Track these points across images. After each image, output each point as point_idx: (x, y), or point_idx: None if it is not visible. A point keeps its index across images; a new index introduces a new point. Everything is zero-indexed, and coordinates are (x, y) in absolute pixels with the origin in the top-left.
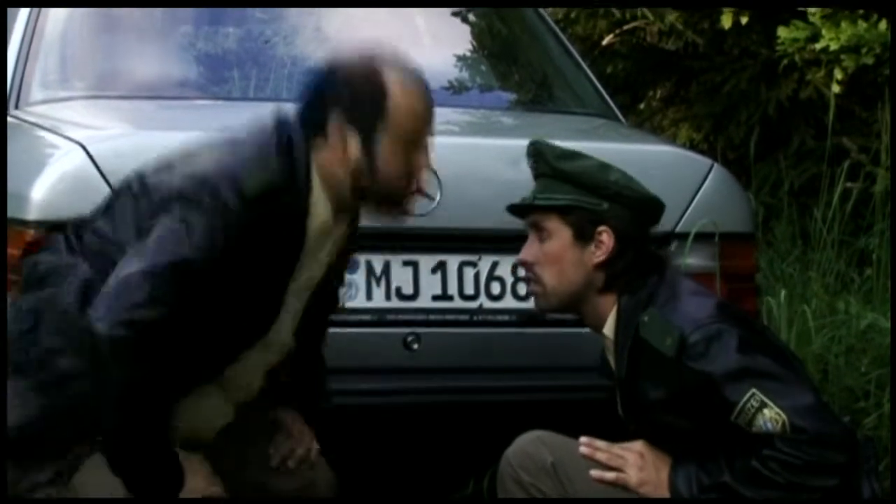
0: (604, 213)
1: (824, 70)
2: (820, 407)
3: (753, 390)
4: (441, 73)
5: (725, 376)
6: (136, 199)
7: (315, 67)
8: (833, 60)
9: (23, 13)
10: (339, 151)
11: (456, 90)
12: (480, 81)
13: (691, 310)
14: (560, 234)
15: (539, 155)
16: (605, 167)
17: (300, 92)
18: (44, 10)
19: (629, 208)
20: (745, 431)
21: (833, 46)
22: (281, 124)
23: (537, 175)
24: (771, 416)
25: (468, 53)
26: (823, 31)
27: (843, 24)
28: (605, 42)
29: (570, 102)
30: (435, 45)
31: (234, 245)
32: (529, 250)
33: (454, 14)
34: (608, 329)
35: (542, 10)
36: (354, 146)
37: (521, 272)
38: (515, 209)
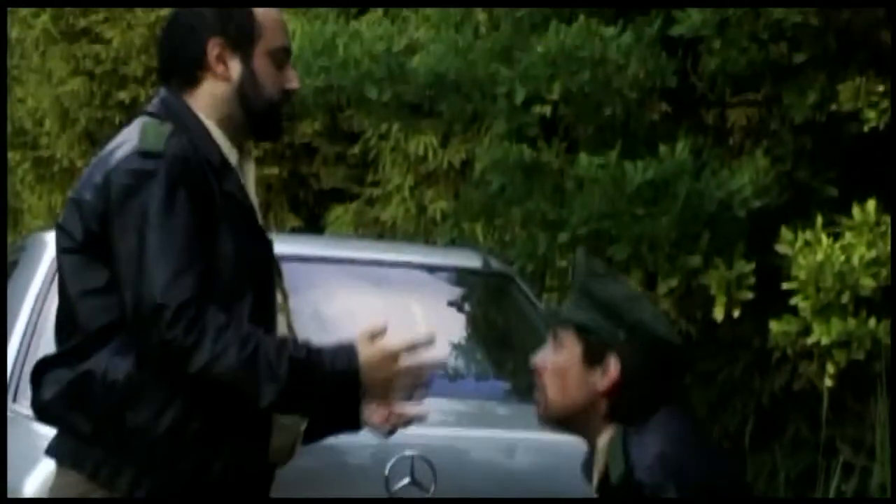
0: (617, 341)
1: (816, 363)
2: None
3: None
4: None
5: None
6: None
7: (171, 17)
8: (825, 354)
9: (26, 306)
10: (221, 79)
11: (451, 378)
12: (476, 370)
13: (649, 447)
14: (572, 349)
15: (578, 266)
16: (633, 298)
17: (161, 52)
18: (49, 298)
19: (645, 347)
20: None
21: (824, 341)
22: (155, 104)
23: (573, 286)
24: None
25: (463, 341)
26: (814, 326)
27: (834, 320)
28: None
29: None
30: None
31: (190, 200)
32: (542, 355)
33: (449, 303)
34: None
35: (536, 300)
36: (236, 65)
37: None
38: (547, 317)
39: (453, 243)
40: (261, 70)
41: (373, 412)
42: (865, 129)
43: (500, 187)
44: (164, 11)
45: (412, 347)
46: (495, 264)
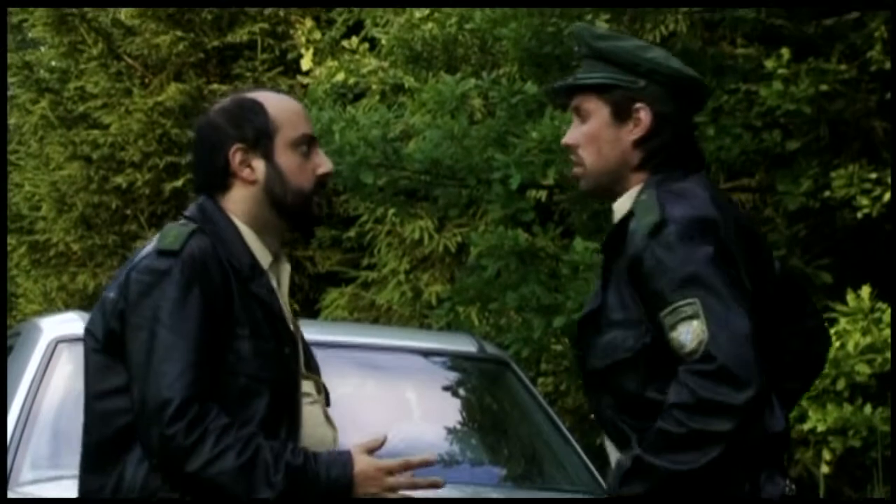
0: (641, 90)
1: (813, 450)
2: (745, 337)
3: (696, 300)
4: (432, 447)
5: (677, 274)
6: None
7: (194, 136)
8: (821, 441)
9: (20, 394)
10: (249, 182)
11: (447, 464)
12: (471, 456)
13: (686, 205)
14: (599, 113)
15: (579, 37)
16: (643, 47)
17: (193, 169)
18: (42, 384)
19: (666, 86)
20: (665, 338)
21: (820, 428)
22: (191, 209)
23: (579, 57)
24: (695, 331)
25: (458, 427)
26: (810, 413)
27: (829, 407)
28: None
29: (560, 478)
30: (426, 419)
31: (203, 299)
32: (572, 133)
33: (444, 388)
34: (617, 204)
35: (531, 385)
36: (260, 166)
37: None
38: (557, 91)
39: (448, 328)
40: (286, 164)
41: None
42: (859, 215)
43: (495, 272)
44: (162, 97)
45: (408, 466)
46: (490, 349)
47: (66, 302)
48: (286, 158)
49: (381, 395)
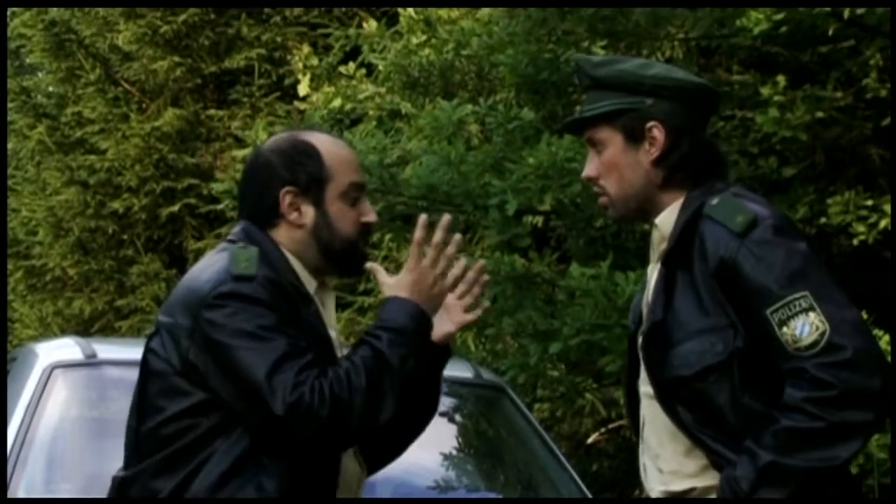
0: (650, 109)
1: None
2: (862, 325)
3: (807, 292)
4: (428, 473)
5: (783, 269)
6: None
7: (245, 171)
8: None
9: (15, 419)
10: (296, 225)
11: (442, 489)
12: (467, 482)
13: (765, 204)
14: (612, 140)
15: (579, 70)
16: (644, 65)
17: (240, 199)
18: (38, 409)
19: (674, 100)
20: (770, 336)
21: None
22: (237, 232)
23: (584, 90)
24: (812, 322)
25: (455, 452)
26: None
27: None
28: (590, 440)
29: None
30: (422, 445)
31: (283, 322)
32: (591, 166)
33: (441, 414)
34: (661, 219)
35: (527, 411)
36: (309, 212)
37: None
38: (568, 127)
39: None
40: (335, 212)
41: (445, 322)
42: (855, 242)
43: (491, 298)
44: (159, 122)
45: (436, 238)
46: (487, 375)
47: (62, 327)
48: (335, 207)
49: None
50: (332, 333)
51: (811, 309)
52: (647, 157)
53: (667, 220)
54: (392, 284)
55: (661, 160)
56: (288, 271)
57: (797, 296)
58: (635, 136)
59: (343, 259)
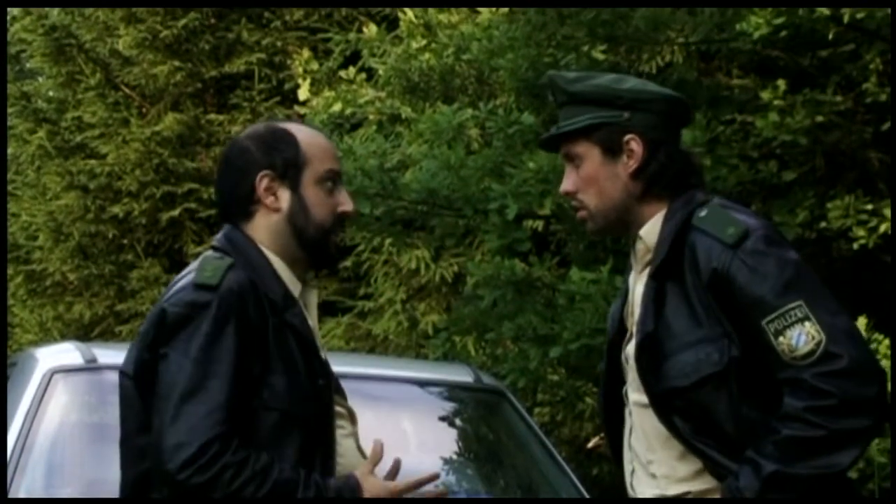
0: (627, 122)
1: None
2: (855, 332)
3: (801, 302)
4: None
5: (778, 279)
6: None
7: (221, 158)
8: None
9: (18, 417)
10: (272, 210)
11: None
12: (467, 486)
13: (753, 215)
14: (590, 154)
15: (554, 86)
16: (619, 79)
17: (217, 191)
18: (38, 414)
19: (650, 112)
20: (766, 346)
21: None
22: (219, 239)
23: (559, 105)
24: (808, 332)
25: (455, 457)
26: None
27: None
28: (590, 445)
29: None
30: (422, 449)
31: (239, 334)
32: (569, 180)
33: (441, 419)
34: (645, 230)
35: (527, 415)
36: (285, 196)
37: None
38: (545, 143)
39: (445, 358)
40: (310, 197)
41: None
42: (855, 246)
43: (491, 302)
44: (160, 127)
45: (417, 485)
46: (487, 379)
47: (62, 332)
48: (311, 192)
49: (378, 426)
50: (316, 333)
51: (806, 318)
52: (626, 169)
53: (651, 231)
54: (367, 472)
55: (640, 172)
56: (272, 278)
57: (792, 306)
58: (613, 150)
59: (316, 247)
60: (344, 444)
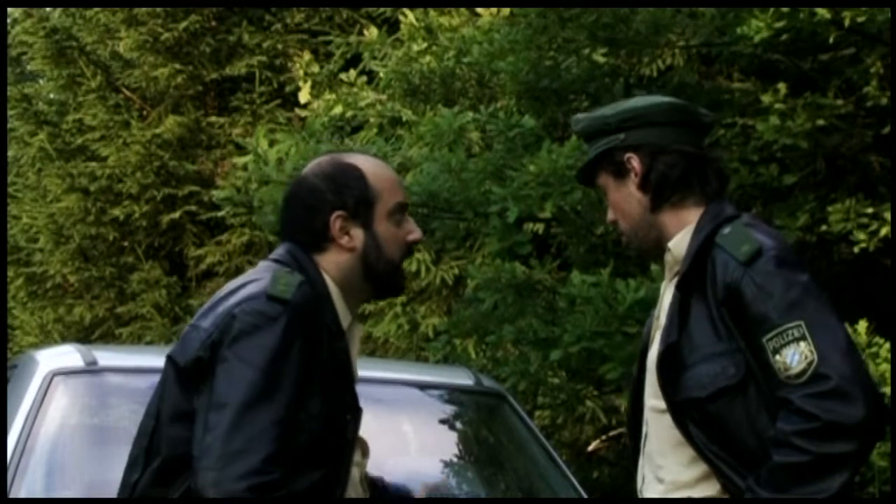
0: (623, 143)
1: None
2: (851, 349)
3: (801, 322)
4: (428, 479)
5: (782, 298)
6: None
7: (289, 196)
8: None
9: (19, 420)
10: (347, 249)
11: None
12: (467, 489)
13: (773, 234)
14: (608, 183)
15: (574, 131)
16: (615, 105)
17: (284, 224)
18: (38, 417)
19: (643, 126)
20: (766, 363)
21: None
22: (283, 254)
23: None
24: (802, 352)
25: (455, 460)
26: None
27: None
28: (591, 448)
29: None
30: (422, 452)
31: (303, 351)
32: (609, 211)
33: (441, 421)
34: (674, 242)
35: (528, 418)
36: (359, 234)
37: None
38: (582, 181)
39: (445, 360)
40: (382, 233)
41: None
42: (856, 250)
43: (492, 305)
44: (160, 129)
45: None
46: (487, 382)
47: (63, 334)
48: (383, 227)
49: (378, 429)
50: (356, 368)
51: (803, 338)
52: (634, 186)
53: (680, 243)
54: None
55: (643, 184)
56: (328, 302)
57: (791, 325)
58: (620, 171)
59: (384, 280)
60: (351, 474)
